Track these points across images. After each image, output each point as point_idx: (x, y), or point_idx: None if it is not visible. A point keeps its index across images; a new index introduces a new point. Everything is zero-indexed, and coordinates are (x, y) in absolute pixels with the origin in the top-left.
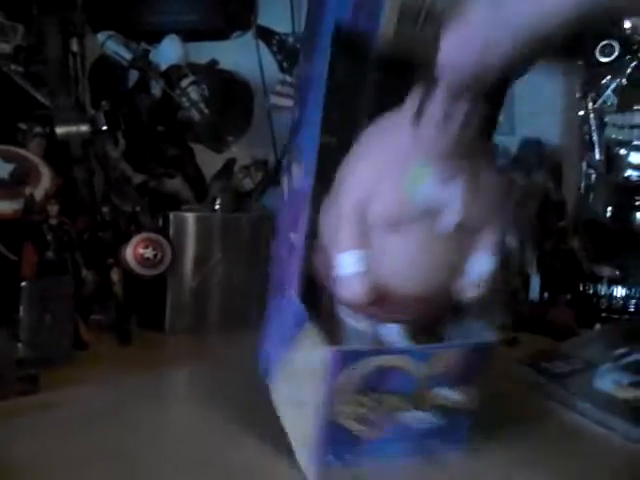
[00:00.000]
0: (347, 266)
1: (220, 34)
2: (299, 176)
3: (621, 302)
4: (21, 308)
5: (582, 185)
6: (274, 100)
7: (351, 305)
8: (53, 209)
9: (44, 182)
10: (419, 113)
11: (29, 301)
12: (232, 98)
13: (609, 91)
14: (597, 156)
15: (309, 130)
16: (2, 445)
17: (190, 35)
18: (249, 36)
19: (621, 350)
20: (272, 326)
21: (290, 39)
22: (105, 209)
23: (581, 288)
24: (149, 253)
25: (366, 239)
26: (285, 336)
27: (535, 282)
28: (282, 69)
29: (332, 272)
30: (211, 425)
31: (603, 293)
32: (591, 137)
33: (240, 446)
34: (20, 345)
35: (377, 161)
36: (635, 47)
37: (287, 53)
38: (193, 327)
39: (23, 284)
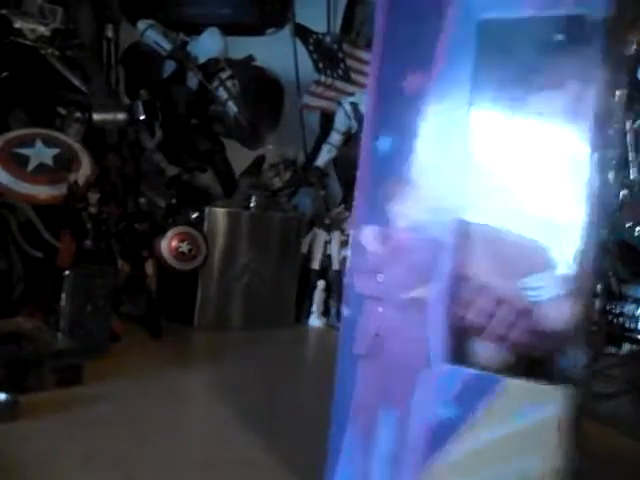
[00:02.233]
0: (550, 288)
1: (254, 29)
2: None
3: None
4: (63, 297)
5: (613, 204)
6: (307, 100)
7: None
8: (94, 197)
9: (84, 169)
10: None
11: (72, 290)
12: (262, 94)
13: None
14: (632, 175)
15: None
16: (53, 439)
17: (225, 30)
18: (283, 33)
19: None
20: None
21: (327, 39)
22: (143, 200)
23: (608, 307)
24: (184, 247)
25: None
26: (441, 425)
27: None
28: (317, 69)
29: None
30: (235, 423)
31: (630, 313)
32: (627, 157)
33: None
34: (60, 335)
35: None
36: None
37: (323, 53)
38: (220, 323)
39: (66, 273)
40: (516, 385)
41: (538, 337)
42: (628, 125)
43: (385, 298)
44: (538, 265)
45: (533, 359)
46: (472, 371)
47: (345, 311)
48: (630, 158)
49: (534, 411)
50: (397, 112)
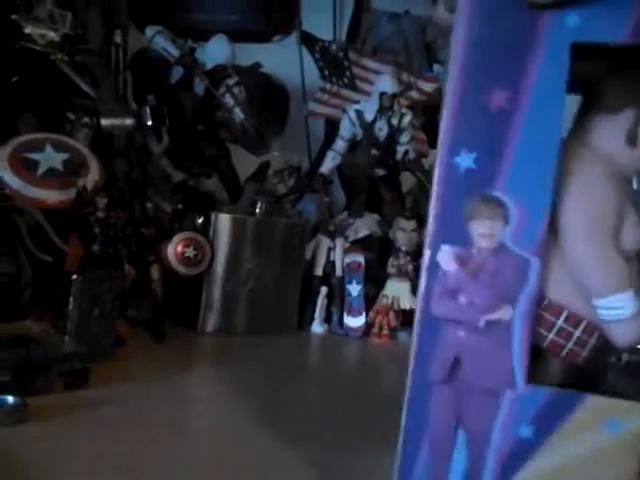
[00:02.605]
0: (625, 308)
1: (261, 36)
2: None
3: None
4: (70, 301)
5: None
6: (312, 107)
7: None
8: (102, 202)
9: (93, 174)
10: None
11: (79, 295)
12: (268, 101)
13: None
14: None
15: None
16: (58, 442)
17: (232, 36)
18: (290, 40)
19: None
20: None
21: (333, 47)
22: (150, 205)
23: None
24: (190, 252)
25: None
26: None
27: None
28: (323, 76)
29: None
30: (240, 425)
31: None
32: None
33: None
34: (67, 338)
35: (596, 190)
36: None
37: (329, 61)
38: (224, 327)
39: (74, 277)
40: (597, 401)
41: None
42: None
43: (466, 321)
44: (619, 286)
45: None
46: (553, 389)
47: (417, 335)
48: None
49: (615, 427)
50: (481, 128)
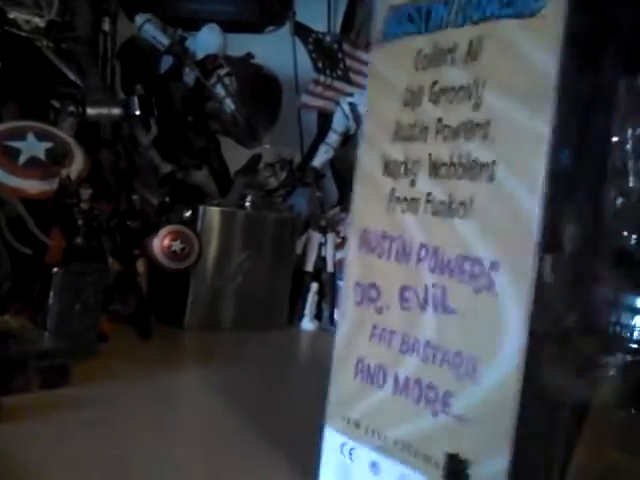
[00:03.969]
0: None
1: (254, 27)
2: None
3: None
4: (51, 295)
5: (609, 210)
6: (305, 99)
7: None
8: (86, 193)
9: (77, 164)
10: None
11: (61, 288)
12: (260, 92)
13: None
14: (631, 183)
15: None
16: (39, 445)
17: (224, 26)
18: (283, 31)
19: None
20: None
21: (327, 38)
22: (135, 197)
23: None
24: (177, 246)
25: None
26: None
27: None
28: (317, 68)
29: None
30: (226, 426)
31: (627, 323)
32: (626, 164)
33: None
34: (46, 334)
35: None
36: None
37: (323, 52)
38: (211, 323)
39: (55, 270)
40: None
41: None
42: (629, 133)
43: None
44: None
45: None
46: None
47: None
48: (629, 165)
49: None
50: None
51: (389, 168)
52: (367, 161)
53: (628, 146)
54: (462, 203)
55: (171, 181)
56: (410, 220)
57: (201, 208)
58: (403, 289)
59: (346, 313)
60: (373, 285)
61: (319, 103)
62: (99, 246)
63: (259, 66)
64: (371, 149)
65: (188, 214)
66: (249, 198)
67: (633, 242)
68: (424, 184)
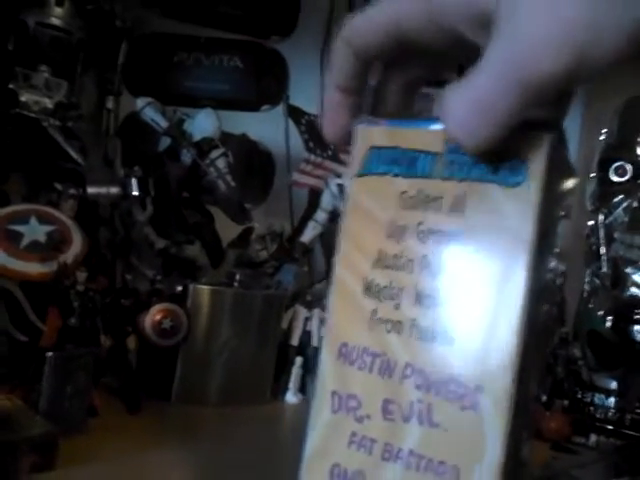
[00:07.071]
0: None
1: (250, 105)
2: None
3: (617, 415)
4: (44, 378)
5: (585, 292)
6: (296, 177)
7: None
8: (82, 275)
9: (75, 247)
10: None
11: (53, 372)
12: (254, 167)
13: (620, 210)
14: (604, 269)
15: None
16: None
17: (221, 104)
18: (278, 110)
19: None
20: None
21: (319, 121)
22: (129, 276)
23: (579, 396)
24: (166, 324)
25: None
26: None
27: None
28: (308, 148)
29: None
30: None
31: (600, 403)
32: (599, 249)
33: None
34: (38, 418)
35: None
36: None
37: (314, 133)
38: (197, 398)
39: (49, 354)
40: None
41: None
42: (601, 219)
43: None
44: None
45: None
46: None
47: None
48: (601, 252)
49: None
50: None
51: (371, 290)
52: (346, 280)
53: (601, 233)
54: (446, 331)
55: (164, 256)
56: (395, 339)
57: (191, 286)
58: (387, 402)
59: (320, 419)
60: (353, 396)
61: (309, 181)
62: (93, 326)
63: (254, 142)
64: (351, 271)
65: (179, 289)
66: (237, 277)
67: (607, 324)
68: (409, 310)
